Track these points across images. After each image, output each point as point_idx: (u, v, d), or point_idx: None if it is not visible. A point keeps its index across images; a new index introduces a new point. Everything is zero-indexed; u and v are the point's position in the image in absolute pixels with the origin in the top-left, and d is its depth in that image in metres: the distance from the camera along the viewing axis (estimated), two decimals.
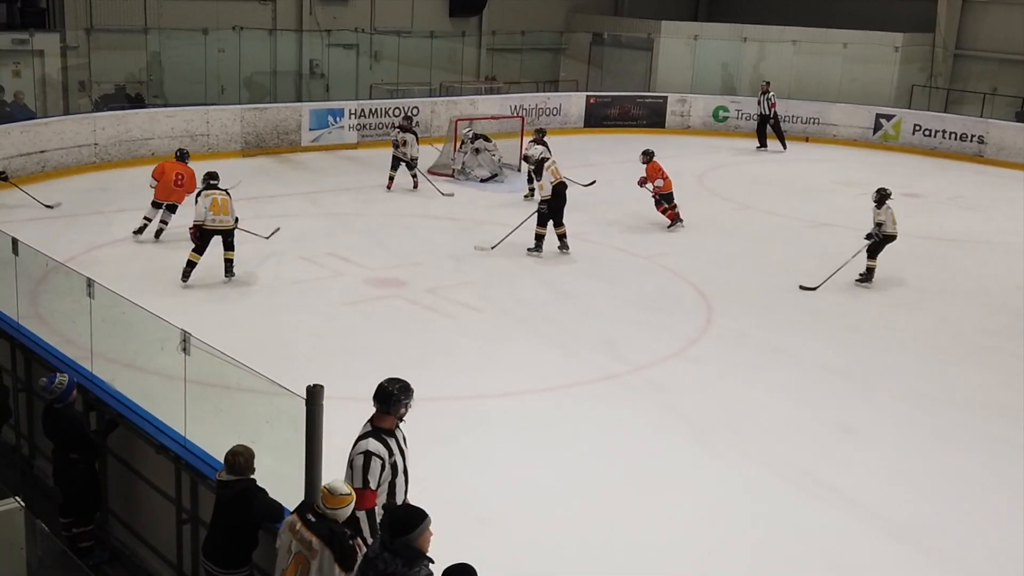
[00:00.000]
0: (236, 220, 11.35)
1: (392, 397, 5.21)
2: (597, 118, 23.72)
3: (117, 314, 7.11)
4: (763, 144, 21.96)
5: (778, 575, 6.53)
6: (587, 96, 23.89)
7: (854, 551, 6.81)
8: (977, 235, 15.65)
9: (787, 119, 23.70)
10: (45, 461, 7.24)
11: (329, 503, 4.62)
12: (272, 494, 5.18)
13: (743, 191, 17.91)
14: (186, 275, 11.25)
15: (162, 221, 13.10)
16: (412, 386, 5.31)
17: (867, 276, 12.73)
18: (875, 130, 23.29)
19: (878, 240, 12.72)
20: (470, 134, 17.75)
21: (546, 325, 10.79)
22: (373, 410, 5.30)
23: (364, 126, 20.05)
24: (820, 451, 8.21)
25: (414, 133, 16.74)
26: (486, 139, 17.97)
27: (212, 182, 11.40)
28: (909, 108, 23.84)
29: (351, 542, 4.58)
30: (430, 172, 18.04)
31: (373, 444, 5.16)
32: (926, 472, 7.99)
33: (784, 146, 21.94)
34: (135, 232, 13.11)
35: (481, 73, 25.78)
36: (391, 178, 16.65)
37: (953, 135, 22.36)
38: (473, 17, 25.80)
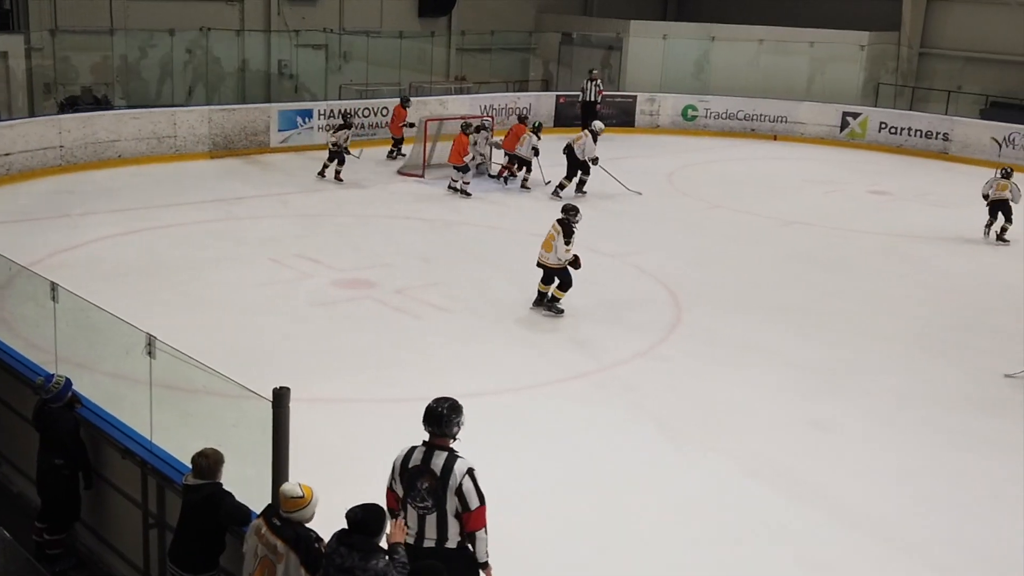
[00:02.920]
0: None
1: (443, 418, 5.03)
2: (567, 117, 23.73)
3: (82, 318, 7.03)
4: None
5: (749, 572, 6.54)
6: (557, 96, 23.93)
7: (825, 547, 6.84)
8: (944, 232, 15.81)
9: (755, 118, 23.92)
10: (9, 466, 7.15)
11: (285, 506, 4.59)
12: (239, 497, 5.13)
13: (713, 190, 17.99)
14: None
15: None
16: (461, 403, 5.13)
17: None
18: (842, 128, 23.49)
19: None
20: (473, 128, 17.67)
21: (516, 325, 10.78)
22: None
23: (333, 127, 19.92)
24: (791, 448, 8.25)
25: (338, 128, 17.05)
26: (478, 129, 17.97)
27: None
28: (875, 106, 24.10)
29: (316, 545, 4.55)
30: (399, 172, 18.01)
31: (467, 461, 5.01)
32: (897, 467, 8.05)
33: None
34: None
35: (451, 73, 25.75)
36: (329, 170, 16.98)
37: (919, 132, 22.60)
38: (442, 17, 25.75)
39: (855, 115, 23.43)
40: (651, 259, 13.39)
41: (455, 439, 5.06)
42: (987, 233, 15.47)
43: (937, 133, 22.35)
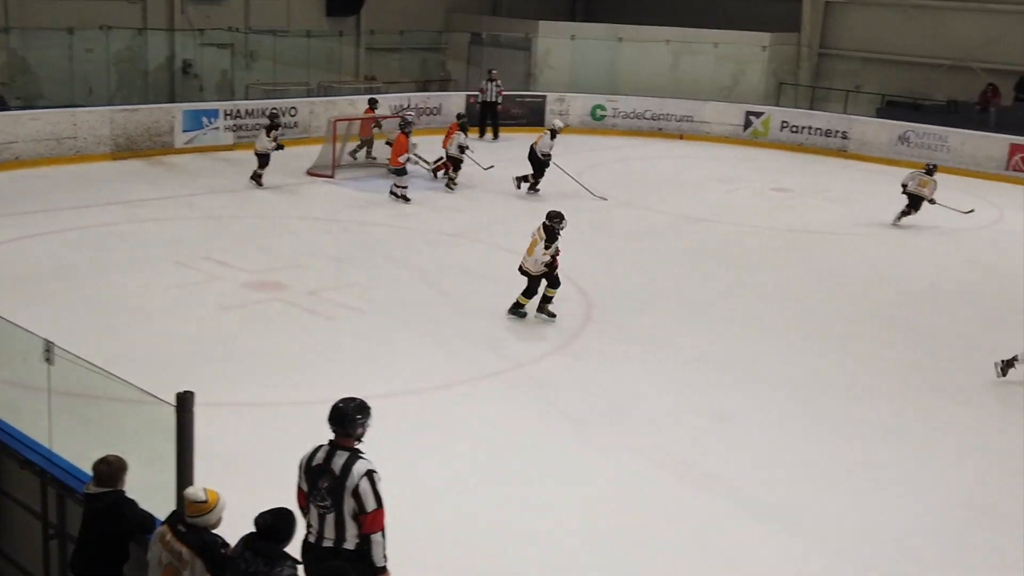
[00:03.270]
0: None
1: (348, 418, 5.00)
2: (479, 117, 23.78)
3: None
4: (484, 134, 22.20)
5: (658, 562, 6.67)
6: (467, 96, 23.97)
7: (730, 536, 7.02)
8: (842, 227, 16.32)
9: (662, 117, 24.32)
10: None
11: (190, 512, 4.54)
12: (143, 505, 5.05)
13: (621, 188, 18.23)
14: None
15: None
16: (369, 404, 5.11)
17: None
18: (746, 127, 24.04)
19: None
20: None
21: (429, 325, 10.79)
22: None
23: (240, 127, 19.64)
24: (697, 440, 8.44)
25: (267, 128, 16.61)
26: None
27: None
28: (777, 105, 24.72)
29: (223, 551, 4.51)
30: (309, 173, 17.84)
31: (368, 462, 4.97)
32: (798, 456, 8.28)
33: (496, 136, 22.21)
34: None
35: (360, 73, 25.58)
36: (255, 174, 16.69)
37: (819, 131, 23.27)
38: (351, 16, 25.56)
39: (758, 114, 24.01)
40: (561, 257, 13.47)
41: (359, 440, 5.05)
42: (899, 219, 16.23)
43: (836, 131, 23.05)
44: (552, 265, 10.86)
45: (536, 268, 10.87)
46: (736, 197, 18.34)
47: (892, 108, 23.93)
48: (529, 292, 10.98)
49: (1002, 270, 14.31)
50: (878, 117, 23.48)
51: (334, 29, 25.05)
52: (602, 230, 15.32)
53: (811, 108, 24.52)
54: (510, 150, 19.53)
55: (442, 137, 18.16)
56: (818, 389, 9.67)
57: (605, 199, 16.74)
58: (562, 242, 11.04)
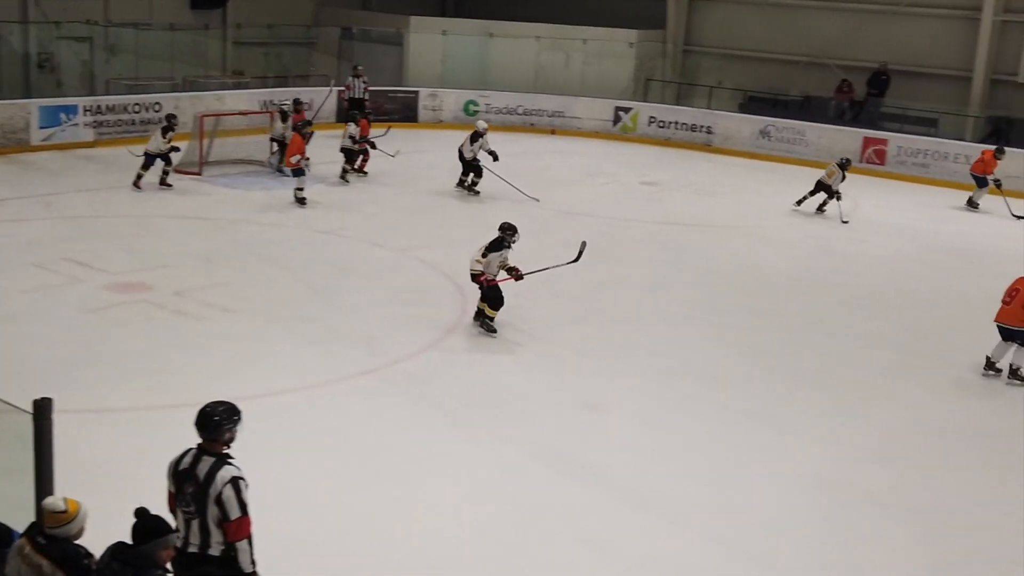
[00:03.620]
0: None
1: (215, 423, 4.89)
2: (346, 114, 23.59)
3: None
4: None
5: (532, 552, 6.78)
6: (338, 91, 23.71)
7: (602, 523, 7.18)
8: (708, 219, 16.85)
9: (534, 113, 24.60)
10: None
11: (49, 523, 4.40)
12: (1, 518, 4.88)
13: (493, 183, 18.35)
14: None
15: None
16: (239, 407, 5.00)
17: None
18: (615, 122, 24.52)
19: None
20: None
21: (302, 323, 10.69)
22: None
23: (101, 123, 18.97)
24: (569, 430, 8.60)
25: (164, 129, 16.08)
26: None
27: None
28: (645, 101, 25.27)
29: (86, 561, 4.39)
30: (175, 170, 17.37)
31: (234, 468, 4.86)
32: (667, 443, 8.53)
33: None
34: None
35: (227, 67, 25.01)
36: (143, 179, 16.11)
37: (685, 126, 23.93)
38: (216, 9, 24.94)
39: (627, 110, 24.52)
40: (435, 253, 13.57)
41: (229, 445, 4.97)
42: (818, 206, 17.28)
43: (701, 126, 23.74)
44: (515, 275, 10.68)
45: (475, 268, 10.58)
46: (608, 191, 18.72)
47: (754, 103, 24.78)
48: (486, 299, 10.63)
49: (858, 258, 15.04)
50: (740, 112, 24.29)
51: (199, 22, 24.40)
52: (476, 225, 15.37)
53: (677, 104, 25.15)
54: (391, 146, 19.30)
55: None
56: (684, 376, 9.97)
57: (537, 200, 16.81)
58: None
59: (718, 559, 6.85)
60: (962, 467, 8.49)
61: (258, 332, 10.37)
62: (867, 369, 10.45)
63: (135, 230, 13.84)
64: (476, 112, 24.49)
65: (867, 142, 22.00)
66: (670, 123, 24.08)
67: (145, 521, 4.41)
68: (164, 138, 15.95)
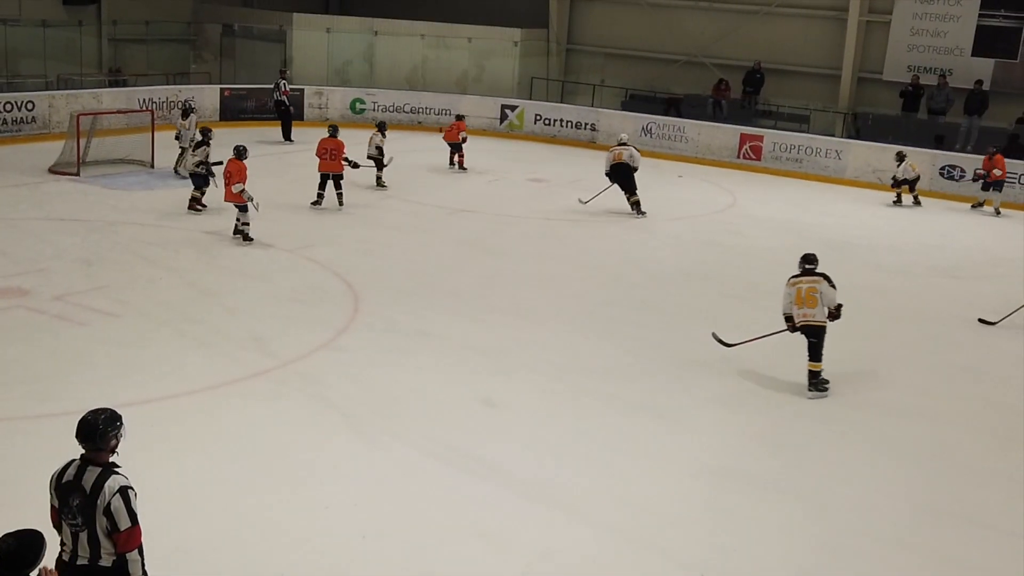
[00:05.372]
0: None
1: (98, 432, 4.76)
2: (233, 111, 23.21)
3: None
4: (287, 137, 21.93)
5: (432, 548, 6.82)
6: (221, 89, 23.27)
7: (500, 516, 7.27)
8: (592, 215, 17.14)
9: (421, 110, 24.62)
10: None
11: None
12: None
13: (386, 180, 18.32)
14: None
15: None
16: (120, 413, 4.88)
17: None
18: (502, 120, 24.74)
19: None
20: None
21: (190, 326, 10.49)
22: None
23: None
24: (466, 426, 8.67)
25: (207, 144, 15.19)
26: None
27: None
28: (530, 99, 25.56)
29: None
30: (51, 171, 16.82)
31: (122, 478, 4.74)
32: (561, 436, 8.66)
33: (288, 138, 21.88)
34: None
35: (104, 65, 24.25)
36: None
37: (569, 123, 24.31)
38: (91, 5, 24.15)
39: (513, 108, 24.76)
40: (325, 252, 13.48)
41: (114, 452, 4.87)
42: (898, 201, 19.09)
43: (585, 124, 24.15)
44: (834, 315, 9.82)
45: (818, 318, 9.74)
46: (495, 188, 18.88)
47: (635, 101, 25.33)
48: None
49: (738, 249, 15.54)
50: (623, 110, 24.79)
51: (72, 18, 23.60)
52: (366, 223, 15.36)
53: (562, 102, 25.52)
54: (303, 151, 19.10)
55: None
56: (578, 371, 10.14)
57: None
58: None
59: (614, 548, 7.01)
60: (845, 452, 8.85)
61: (144, 336, 10.13)
62: (751, 360, 10.80)
63: (9, 233, 13.33)
64: (363, 110, 24.38)
65: (744, 138, 22.73)
66: (555, 120, 24.43)
67: (13, 543, 4.25)
68: (185, 120, 16.75)
